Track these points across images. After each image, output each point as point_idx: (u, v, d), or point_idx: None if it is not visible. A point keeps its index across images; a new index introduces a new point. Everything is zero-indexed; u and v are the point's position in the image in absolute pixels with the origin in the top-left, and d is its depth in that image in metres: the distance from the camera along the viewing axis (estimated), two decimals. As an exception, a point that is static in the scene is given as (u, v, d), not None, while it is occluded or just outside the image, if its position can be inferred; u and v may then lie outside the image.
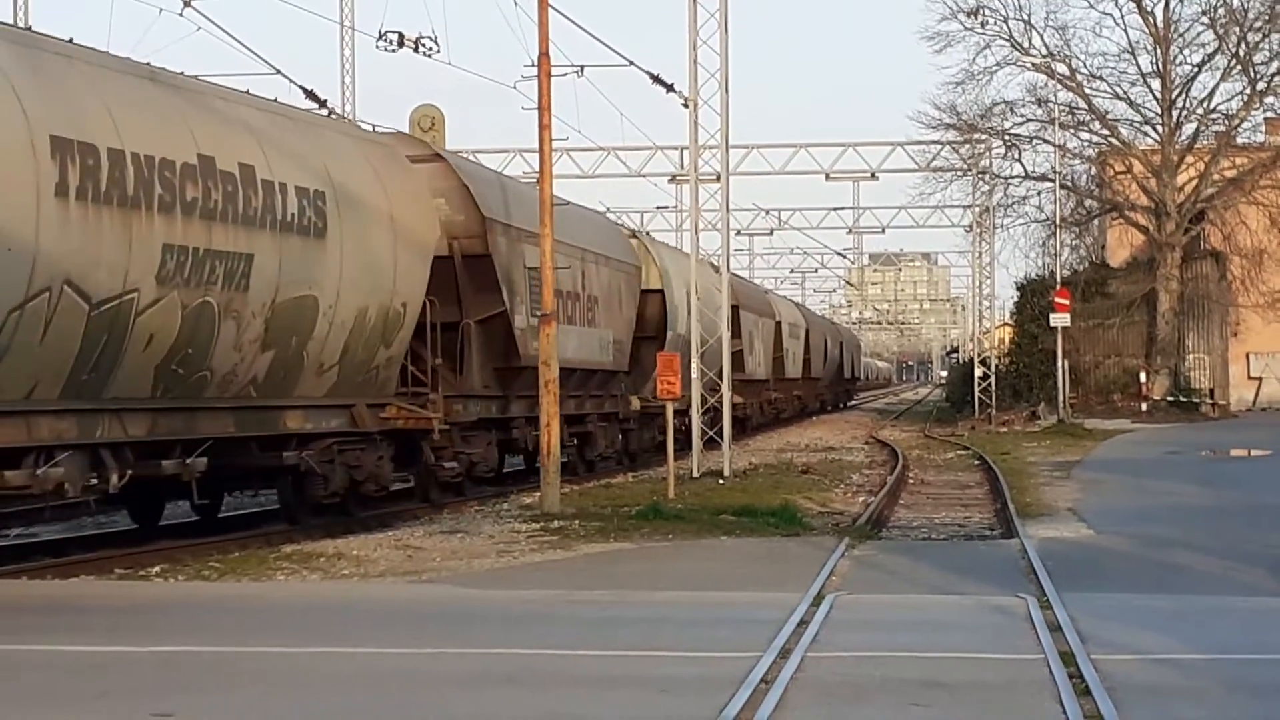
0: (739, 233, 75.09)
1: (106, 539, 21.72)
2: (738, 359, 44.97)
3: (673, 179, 62.23)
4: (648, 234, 46.48)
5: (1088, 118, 61.42)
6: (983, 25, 60.25)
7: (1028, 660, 11.67)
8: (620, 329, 35.71)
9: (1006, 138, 62.06)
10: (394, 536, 21.23)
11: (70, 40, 18.44)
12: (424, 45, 32.71)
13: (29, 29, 20.83)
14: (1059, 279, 58.75)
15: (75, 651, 12.24)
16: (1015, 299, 67.77)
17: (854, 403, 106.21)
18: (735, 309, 44.74)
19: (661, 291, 39.54)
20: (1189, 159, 60.24)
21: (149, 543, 21.32)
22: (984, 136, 61.92)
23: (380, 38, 33.21)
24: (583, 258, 32.77)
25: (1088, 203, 64.68)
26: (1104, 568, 17.75)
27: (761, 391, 56.93)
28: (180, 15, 29.70)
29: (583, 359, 32.50)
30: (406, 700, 10.49)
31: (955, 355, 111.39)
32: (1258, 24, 58.82)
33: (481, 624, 13.60)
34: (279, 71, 27.46)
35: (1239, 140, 60.92)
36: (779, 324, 60.90)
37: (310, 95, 27.11)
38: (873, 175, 63.95)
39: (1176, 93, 60.08)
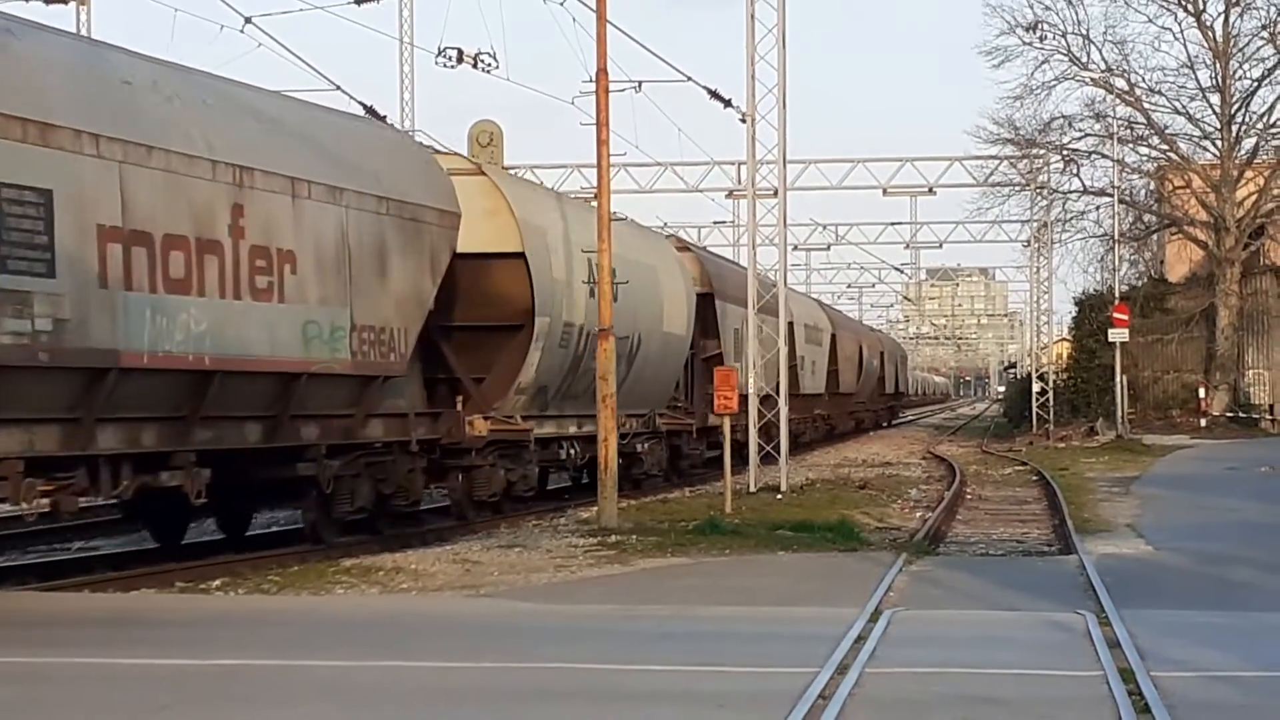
0: (796, 248, 74.92)
1: (168, 552, 21.78)
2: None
3: (730, 194, 62.23)
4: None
5: (1146, 132, 61.24)
6: (1041, 40, 60.14)
7: (1086, 677, 11.62)
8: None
9: (1065, 153, 61.86)
10: (452, 550, 21.26)
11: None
12: (483, 61, 32.81)
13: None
14: (1117, 294, 58.53)
15: (136, 664, 12.29)
16: (1073, 314, 67.62)
17: (899, 420, 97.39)
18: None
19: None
20: (1249, 174, 59.95)
21: (208, 557, 21.33)
22: (1042, 151, 61.72)
23: (439, 54, 33.27)
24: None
25: (1146, 218, 64.47)
26: (1163, 584, 17.66)
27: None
28: (241, 31, 29.91)
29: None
30: (465, 715, 10.50)
31: (1013, 370, 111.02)
32: (1318, 39, 58.48)
33: (539, 638, 13.60)
34: (339, 88, 27.56)
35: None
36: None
37: (370, 111, 27.19)
38: (930, 190, 63.78)
39: (1236, 107, 59.81)
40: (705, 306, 38.62)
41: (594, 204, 27.21)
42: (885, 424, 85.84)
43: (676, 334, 35.13)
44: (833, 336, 59.84)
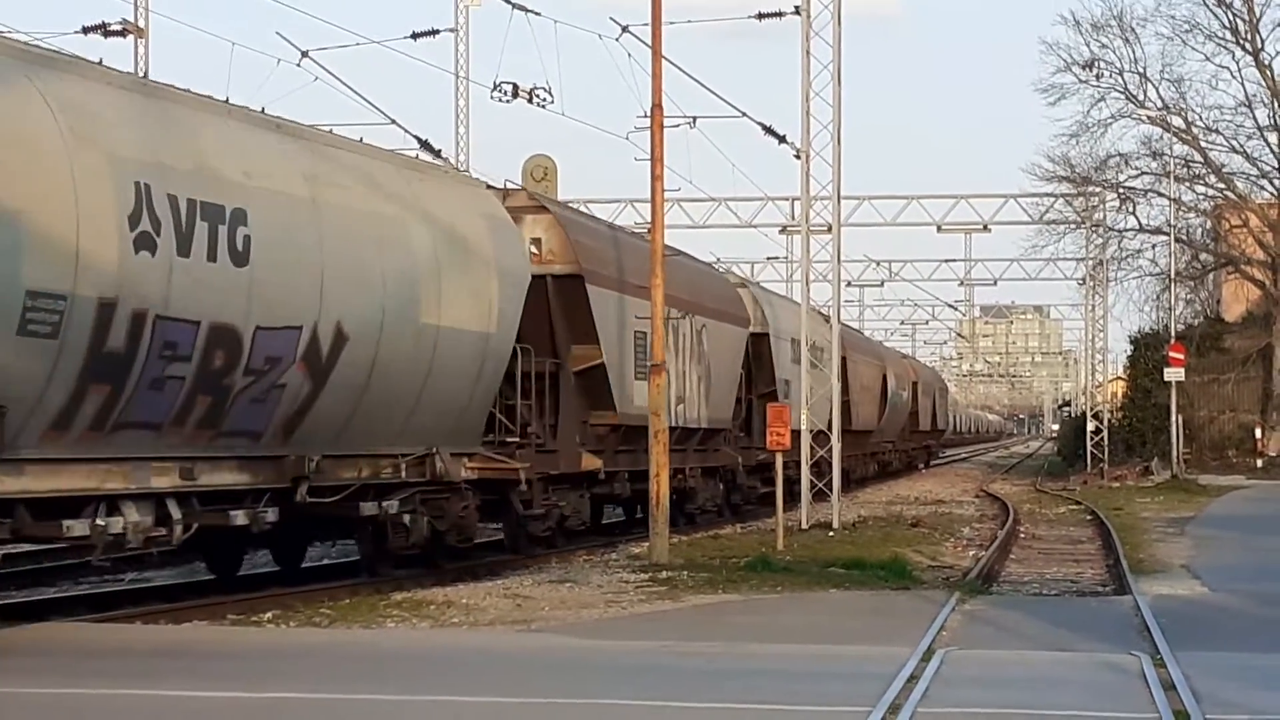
0: (849, 284, 74.90)
1: (221, 584, 21.82)
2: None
3: (784, 230, 62.27)
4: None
5: (1203, 171, 61.06)
6: (1098, 78, 60.11)
7: (1141, 719, 11.52)
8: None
9: (1121, 191, 61.72)
10: (503, 585, 21.26)
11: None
12: (538, 96, 32.91)
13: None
14: (1173, 333, 58.28)
15: (183, 696, 12.29)
16: (1129, 353, 67.42)
17: (939, 461, 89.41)
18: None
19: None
20: (1307, 213, 59.64)
21: (261, 588, 21.38)
22: (1098, 189, 61.61)
23: (495, 88, 33.41)
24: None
25: (1203, 257, 64.26)
26: (1219, 626, 17.52)
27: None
28: (298, 65, 30.12)
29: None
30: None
31: (1067, 409, 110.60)
32: (1377, 78, 58.24)
33: (590, 674, 13.56)
34: (394, 121, 27.68)
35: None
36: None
37: (425, 145, 27.30)
38: (985, 227, 63.67)
39: (1295, 146, 59.53)
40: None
41: (648, 238, 27.23)
42: (921, 465, 77.81)
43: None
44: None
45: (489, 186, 25.30)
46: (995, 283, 76.64)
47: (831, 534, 30.97)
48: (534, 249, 25.47)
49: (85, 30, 35.71)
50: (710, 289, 35.07)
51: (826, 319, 41.91)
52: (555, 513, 26.00)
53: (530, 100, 33.05)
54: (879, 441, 59.28)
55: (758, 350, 38.04)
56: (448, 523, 22.51)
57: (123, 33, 36.74)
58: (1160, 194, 60.68)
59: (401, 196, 21.25)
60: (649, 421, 25.09)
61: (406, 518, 21.59)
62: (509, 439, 24.23)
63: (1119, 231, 63.58)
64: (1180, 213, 60.79)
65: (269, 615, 18.33)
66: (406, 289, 20.78)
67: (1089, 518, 38.25)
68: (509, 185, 25.12)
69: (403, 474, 21.26)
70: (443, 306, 21.53)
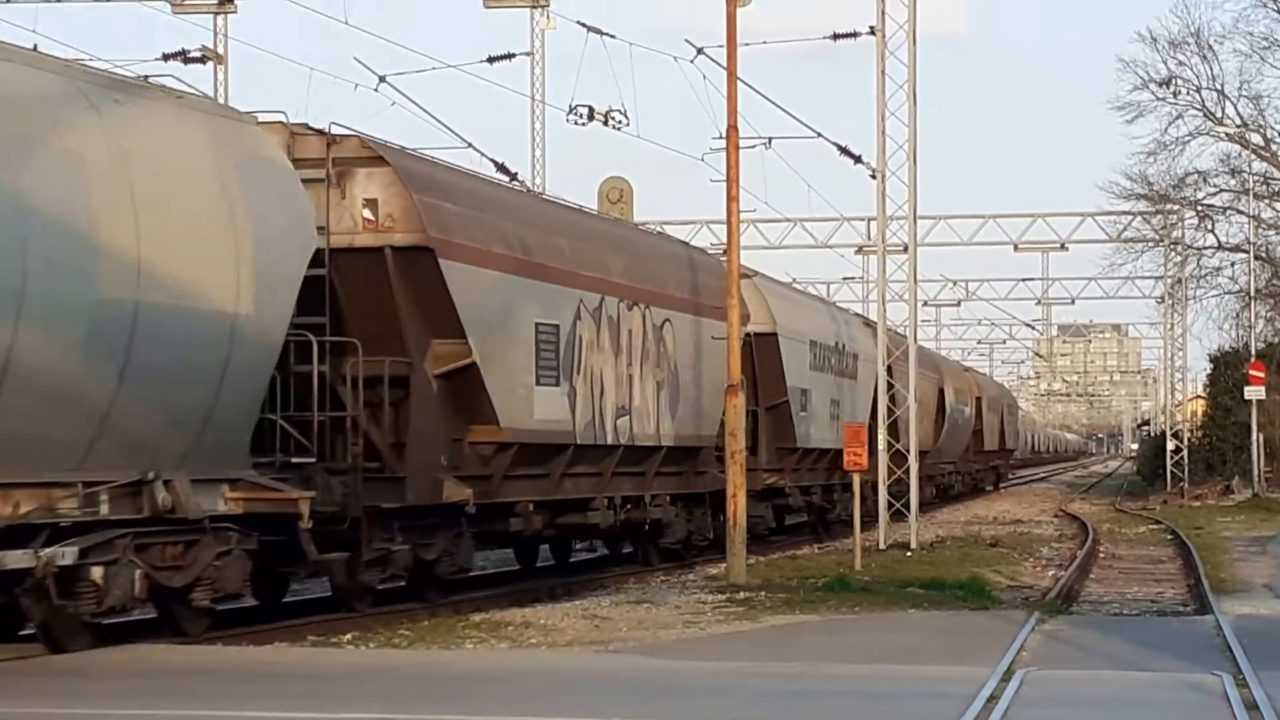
0: (925, 304, 74.65)
1: (303, 605, 21.71)
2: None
3: (859, 250, 62.14)
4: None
5: (1285, 188, 60.57)
6: (1175, 95, 59.60)
7: (1224, 740, 11.46)
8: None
9: (1199, 208, 61.29)
10: (581, 605, 21.26)
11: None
12: (613, 118, 33.06)
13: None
14: (1254, 351, 57.94)
15: (261, 717, 12.36)
16: (1208, 371, 67.03)
17: (1013, 481, 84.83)
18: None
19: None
20: (1388, 229, 59.20)
21: (335, 611, 20.77)
22: (1176, 207, 61.18)
23: (570, 111, 33.62)
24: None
25: (1284, 274, 63.74)
26: (1302, 646, 17.37)
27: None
28: (375, 90, 30.29)
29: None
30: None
31: (1146, 428, 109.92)
32: None
33: (669, 695, 13.55)
34: (470, 144, 27.78)
35: None
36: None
37: (501, 168, 27.42)
38: (1062, 246, 63.38)
39: (1376, 163, 59.08)
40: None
41: (723, 259, 27.22)
42: (989, 487, 72.36)
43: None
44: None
45: (284, 125, 19.60)
46: (1073, 301, 76.40)
47: (909, 554, 30.87)
48: (369, 213, 19.77)
49: (166, 57, 36.00)
50: (683, 278, 28.32)
51: (869, 323, 41.20)
52: (404, 556, 20.10)
53: (606, 123, 33.25)
54: (935, 463, 53.04)
55: (762, 353, 32.40)
56: (190, 575, 16.60)
57: (202, 59, 37.03)
58: (1239, 211, 60.31)
59: (70, 120, 15.24)
60: (562, 438, 22.86)
61: (97, 571, 15.35)
62: (301, 459, 18.19)
63: (1198, 249, 63.18)
64: (1260, 230, 60.40)
65: (349, 637, 18.37)
66: (70, 249, 14.93)
67: (1169, 537, 37.98)
68: (334, 127, 19.81)
69: (102, 509, 15.41)
70: (145, 275, 15.48)
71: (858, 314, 47.13)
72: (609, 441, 24.38)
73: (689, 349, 27.62)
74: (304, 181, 18.63)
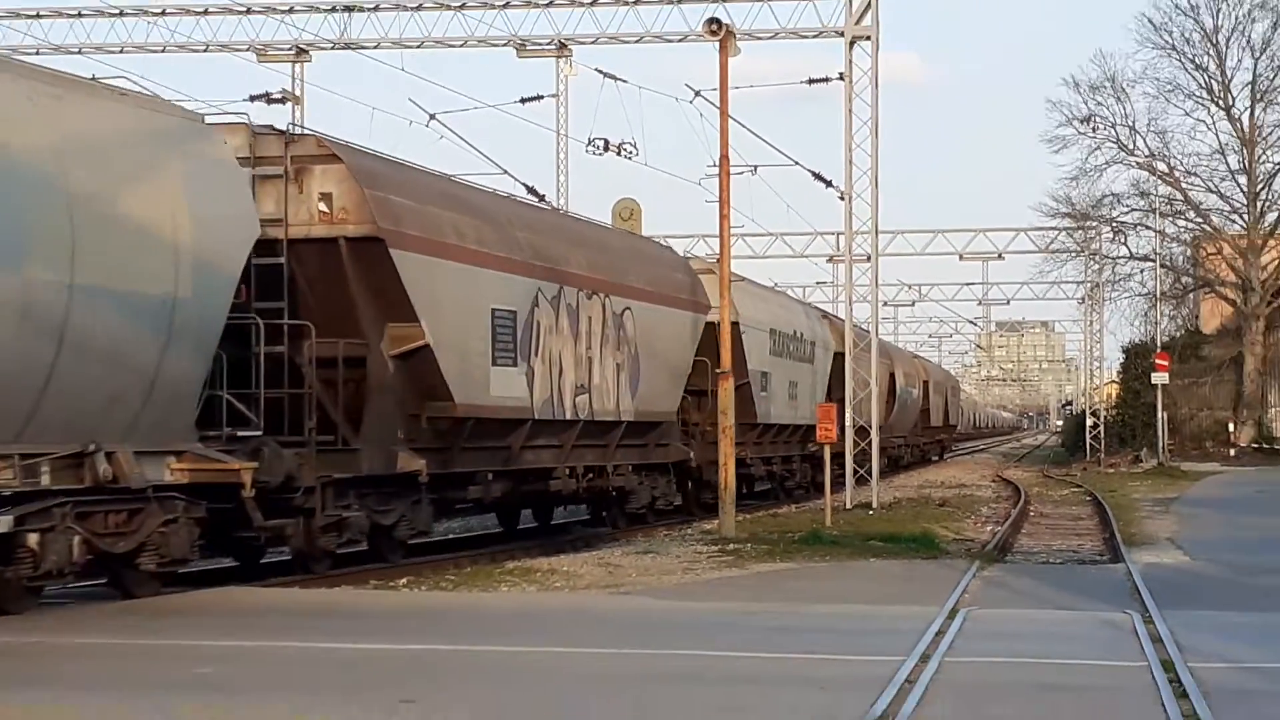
0: (885, 304, 74.56)
1: (371, 555, 21.20)
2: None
3: (830, 259, 62.20)
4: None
5: (1184, 208, 60.76)
6: (1094, 130, 59.83)
7: (1133, 667, 11.46)
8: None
9: (1114, 225, 61.48)
10: (597, 555, 21.29)
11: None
12: (625, 149, 33.02)
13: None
14: (1159, 344, 58.00)
15: (336, 648, 12.37)
16: (1121, 360, 66.95)
17: (959, 452, 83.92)
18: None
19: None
20: (1271, 242, 59.29)
21: (394, 561, 20.19)
22: (1094, 223, 61.36)
23: (589, 143, 33.57)
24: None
25: (1184, 280, 63.89)
26: (1199, 589, 17.37)
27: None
28: (426, 126, 30.32)
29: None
30: (611, 692, 10.51)
31: (1069, 407, 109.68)
32: (1332, 129, 57.93)
33: (671, 630, 13.58)
34: (506, 171, 27.80)
35: (1316, 226, 59.92)
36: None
37: (531, 191, 27.41)
38: (999, 256, 63.56)
39: (1260, 186, 59.30)
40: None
41: (714, 264, 27.22)
42: (935, 457, 70.84)
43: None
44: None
45: (247, 126, 18.29)
46: (1008, 302, 76.46)
47: (871, 512, 30.86)
48: (324, 206, 18.45)
49: (252, 98, 36.00)
50: (644, 271, 26.59)
51: (826, 316, 40.92)
52: (359, 521, 18.64)
53: (618, 153, 33.20)
54: (888, 437, 48.64)
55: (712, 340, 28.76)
56: (134, 542, 15.21)
57: (282, 100, 36.98)
58: (1148, 227, 60.36)
59: (2, 111, 13.90)
60: (520, 414, 21.37)
61: (33, 538, 14.12)
62: (247, 432, 16.75)
63: (1112, 259, 63.27)
64: (1164, 243, 60.52)
65: (404, 581, 18.40)
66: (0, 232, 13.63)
67: (1088, 499, 37.95)
68: (293, 128, 18.60)
69: (44, 479, 14.12)
70: (79, 259, 14.09)
71: (816, 307, 46.62)
72: (567, 417, 22.78)
73: (649, 334, 25.90)
74: (265, 177, 17.88)
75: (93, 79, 15.64)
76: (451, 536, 25.77)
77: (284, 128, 18.58)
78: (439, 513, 21.13)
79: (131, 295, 14.75)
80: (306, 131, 18.51)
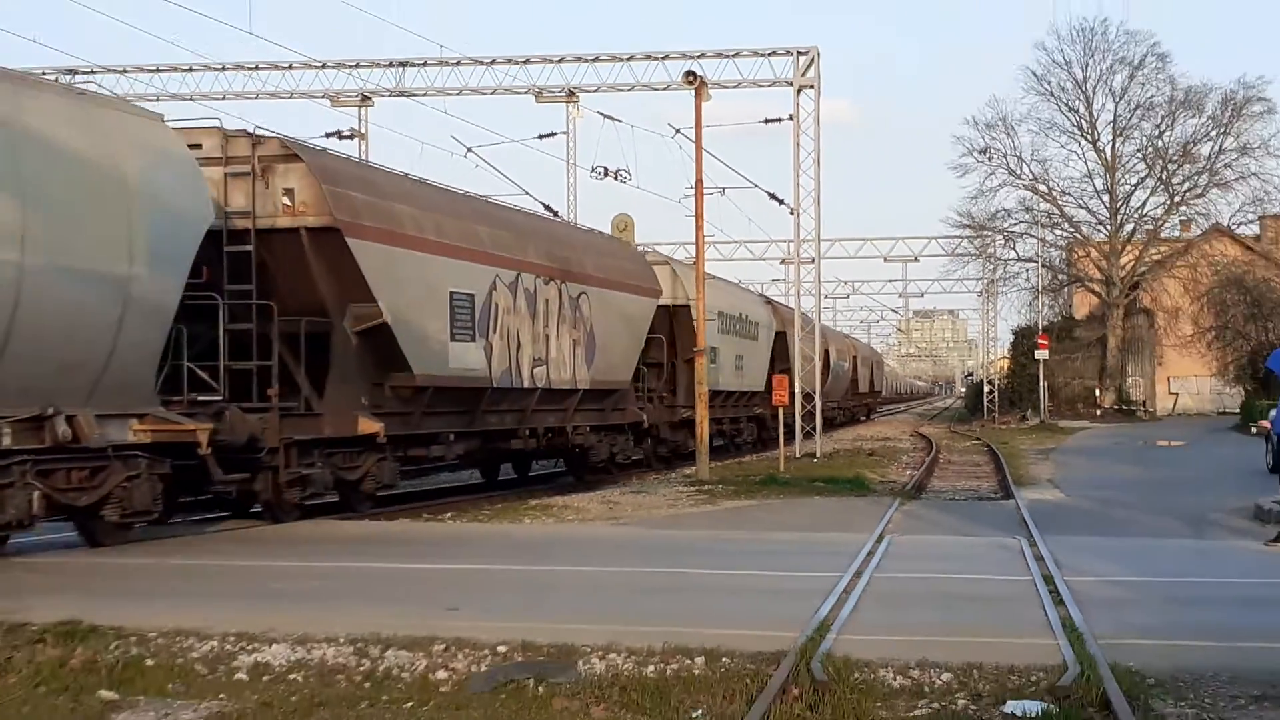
0: (826, 296, 74.47)
1: (420, 495, 21.31)
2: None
3: (782, 261, 62.21)
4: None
5: (1060, 220, 60.77)
6: (989, 159, 59.77)
7: (1021, 580, 11.52)
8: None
9: (1005, 233, 61.43)
10: (601, 495, 21.28)
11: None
12: (621, 175, 32.95)
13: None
14: (1040, 327, 58.18)
15: (390, 568, 12.37)
16: (1011, 340, 67.03)
17: (882, 414, 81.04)
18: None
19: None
20: (1128, 247, 59.48)
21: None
22: (990, 233, 61.34)
23: (592, 170, 33.54)
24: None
25: (1060, 277, 63.83)
26: (1072, 519, 17.42)
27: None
28: (464, 157, 30.20)
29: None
30: (612, 597, 10.55)
31: (971, 377, 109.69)
32: (1174, 158, 58.26)
33: (659, 552, 13.62)
34: (527, 192, 27.77)
35: (1162, 235, 60.17)
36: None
37: (548, 208, 27.37)
38: (916, 258, 63.83)
39: (1119, 203, 59.42)
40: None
41: (690, 265, 27.22)
42: (863, 417, 68.25)
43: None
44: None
45: (212, 130, 16.55)
46: (923, 295, 77.18)
47: (815, 460, 30.90)
48: (287, 200, 16.57)
49: (326, 135, 35.95)
50: (600, 261, 24.27)
51: (769, 301, 40.66)
52: (322, 477, 16.72)
53: (616, 178, 33.14)
54: (825, 402, 47.85)
55: (680, 320, 28.65)
56: (96, 495, 13.65)
57: (350, 136, 36.92)
58: (1032, 235, 60.40)
59: None
60: (479, 383, 19.52)
61: None
62: (207, 397, 15.30)
63: (1004, 260, 63.19)
64: (1044, 248, 60.65)
65: (449, 515, 18.40)
66: None
67: (985, 449, 37.98)
68: (258, 130, 16.79)
69: (5, 440, 12.52)
70: (29, 241, 12.50)
71: (761, 294, 45.76)
72: (525, 385, 20.86)
73: (604, 315, 23.79)
74: (236, 175, 16.41)
75: (55, 79, 14.03)
76: (442, 486, 24.85)
77: (250, 129, 16.82)
78: (406, 469, 19.42)
79: (83, 274, 13.11)
80: (271, 134, 16.86)
